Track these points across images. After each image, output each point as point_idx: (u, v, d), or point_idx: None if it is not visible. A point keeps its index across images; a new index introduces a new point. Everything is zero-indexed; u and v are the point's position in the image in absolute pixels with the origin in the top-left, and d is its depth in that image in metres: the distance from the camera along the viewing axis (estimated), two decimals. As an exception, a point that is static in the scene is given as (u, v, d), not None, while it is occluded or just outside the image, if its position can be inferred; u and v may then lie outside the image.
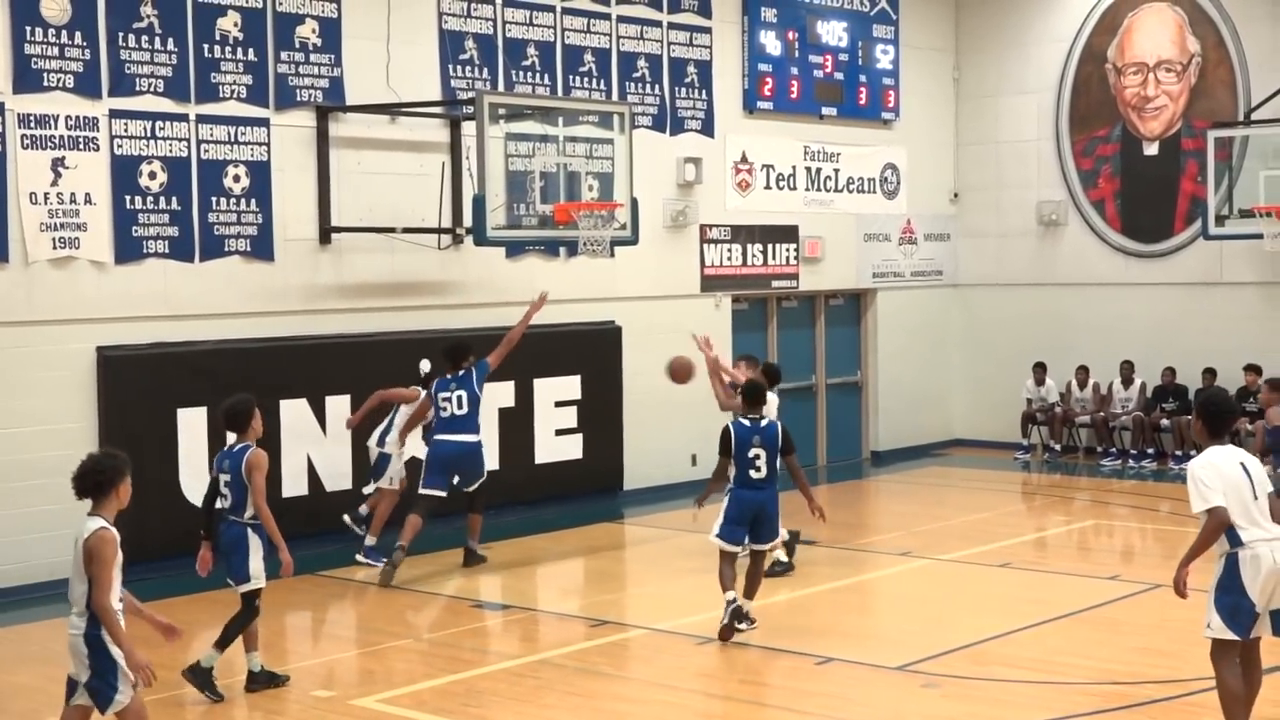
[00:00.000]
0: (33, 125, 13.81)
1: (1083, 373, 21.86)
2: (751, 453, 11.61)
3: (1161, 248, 21.74)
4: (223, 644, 10.34)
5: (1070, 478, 20.61)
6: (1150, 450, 21.07)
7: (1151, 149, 21.82)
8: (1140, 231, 21.92)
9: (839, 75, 21.45)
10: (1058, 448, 22.00)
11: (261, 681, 10.44)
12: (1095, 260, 22.28)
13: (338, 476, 15.73)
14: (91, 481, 7.77)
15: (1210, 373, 20.70)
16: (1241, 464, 8.31)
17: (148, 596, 13.13)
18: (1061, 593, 13.29)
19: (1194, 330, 21.16)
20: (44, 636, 12.17)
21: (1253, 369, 20.28)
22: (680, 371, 13.90)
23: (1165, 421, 21.10)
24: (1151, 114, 21.83)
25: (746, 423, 11.77)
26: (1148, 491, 18.91)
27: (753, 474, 11.62)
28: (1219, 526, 8.12)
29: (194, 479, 14.55)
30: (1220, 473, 8.21)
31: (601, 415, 18.13)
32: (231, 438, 10.67)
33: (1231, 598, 8.20)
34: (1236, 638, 8.24)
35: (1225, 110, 21.01)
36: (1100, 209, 22.27)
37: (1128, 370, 21.46)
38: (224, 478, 10.43)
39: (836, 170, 21.55)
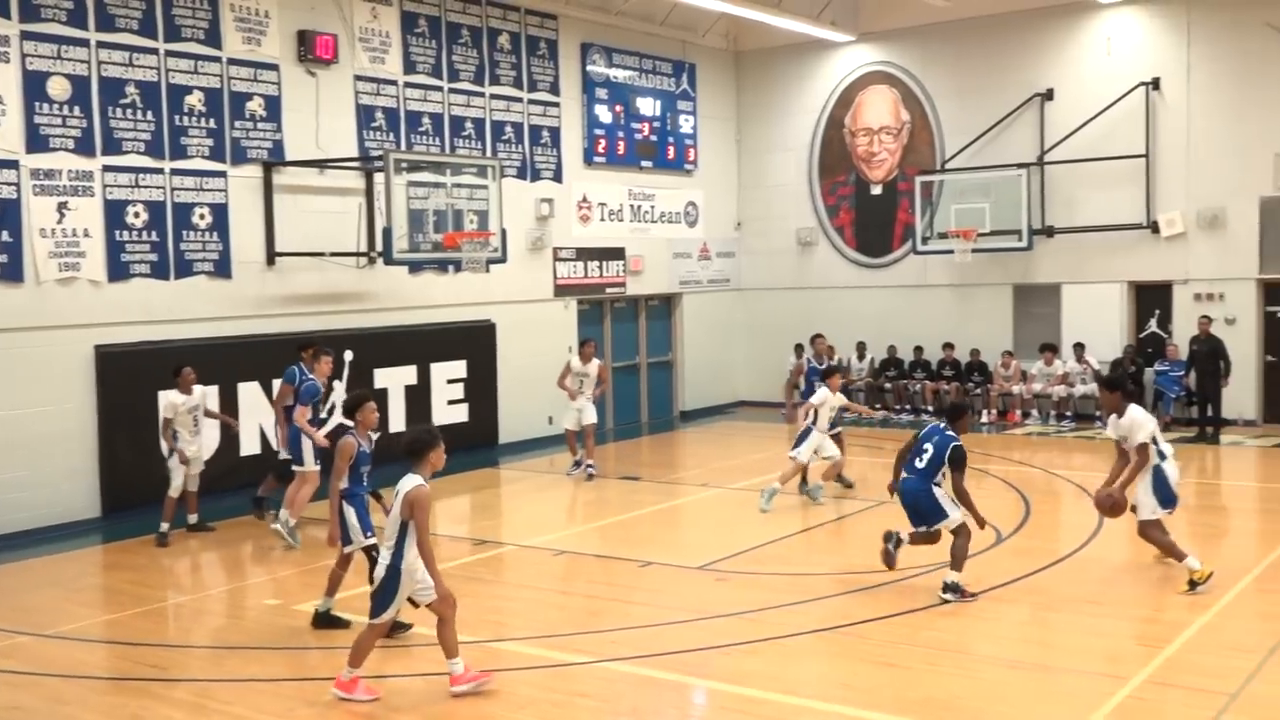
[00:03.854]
0: (42, 178, 13.26)
1: (830, 351, 22.19)
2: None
3: (884, 260, 22.15)
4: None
5: (822, 426, 20.88)
6: (878, 406, 21.51)
7: (877, 190, 22.22)
8: (869, 249, 22.31)
9: (653, 137, 21.48)
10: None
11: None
12: (838, 270, 22.62)
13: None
14: (412, 448, 7.53)
15: (919, 349, 21.21)
16: None
17: (134, 534, 12.89)
18: (815, 509, 13.47)
19: (907, 319, 21.60)
20: (50, 567, 11.73)
21: (948, 346, 20.82)
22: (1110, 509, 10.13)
23: (888, 385, 21.54)
24: (876, 165, 22.21)
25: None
26: (876, 436, 19.21)
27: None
28: None
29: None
30: None
31: (482, 389, 17.98)
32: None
33: (1165, 492, 9.84)
34: (1166, 514, 9.89)
35: (927, 162, 21.46)
36: (841, 233, 22.61)
37: (861, 349, 21.86)
38: None
39: (652, 206, 21.60)
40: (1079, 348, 19.47)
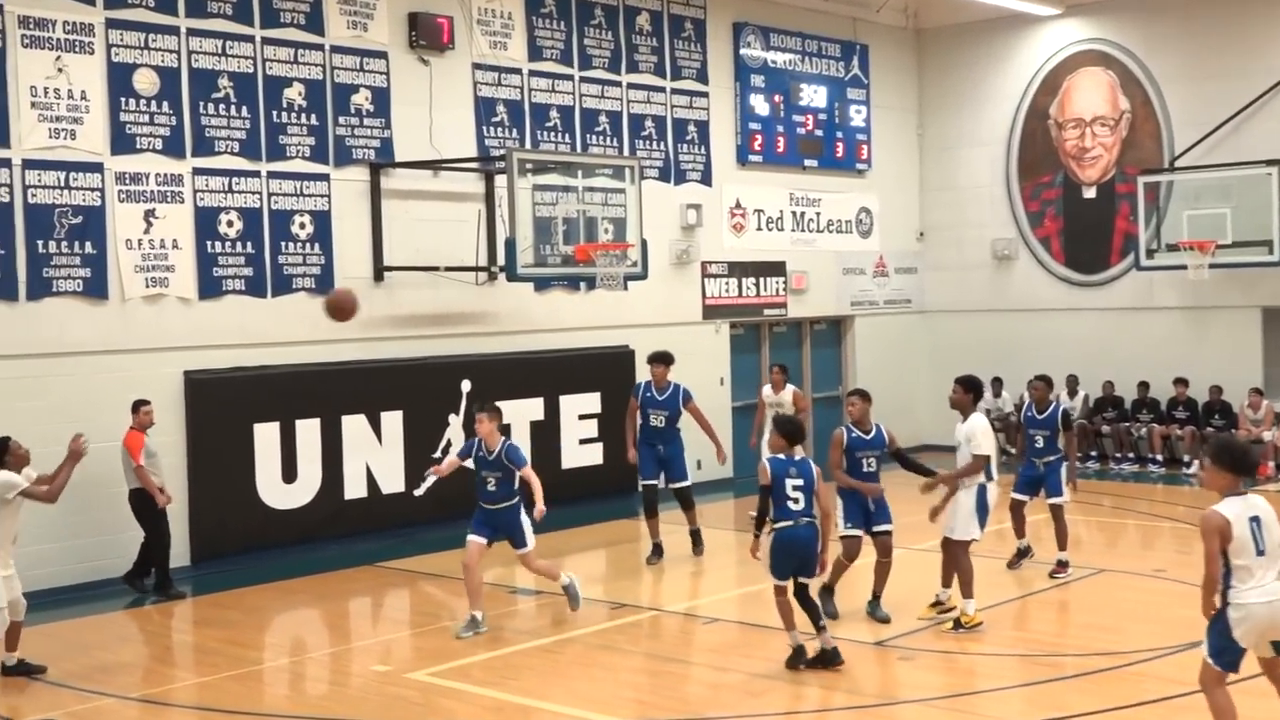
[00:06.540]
0: (128, 182, 13.89)
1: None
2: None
3: (1099, 278, 21.74)
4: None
5: (1023, 477, 20.42)
6: (1093, 453, 21.02)
7: (1089, 193, 21.84)
8: (1081, 264, 21.93)
9: (819, 132, 21.49)
10: (1014, 451, 21.91)
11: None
12: (1042, 289, 22.27)
13: (392, 481, 15.76)
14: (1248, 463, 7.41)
15: (1144, 385, 20.71)
16: None
17: (227, 585, 13.30)
18: (1017, 575, 13.21)
19: (1128, 348, 21.13)
20: (135, 621, 12.16)
21: (1181, 382, 20.27)
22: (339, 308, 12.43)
23: (1106, 428, 21.05)
24: (1089, 163, 21.85)
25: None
26: (1090, 489, 18.70)
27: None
28: None
29: (269, 484, 14.63)
30: None
31: (618, 426, 18.05)
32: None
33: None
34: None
35: (1152, 159, 21.03)
36: (1046, 245, 22.27)
37: (1073, 383, 21.42)
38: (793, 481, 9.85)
39: (818, 214, 21.58)
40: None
